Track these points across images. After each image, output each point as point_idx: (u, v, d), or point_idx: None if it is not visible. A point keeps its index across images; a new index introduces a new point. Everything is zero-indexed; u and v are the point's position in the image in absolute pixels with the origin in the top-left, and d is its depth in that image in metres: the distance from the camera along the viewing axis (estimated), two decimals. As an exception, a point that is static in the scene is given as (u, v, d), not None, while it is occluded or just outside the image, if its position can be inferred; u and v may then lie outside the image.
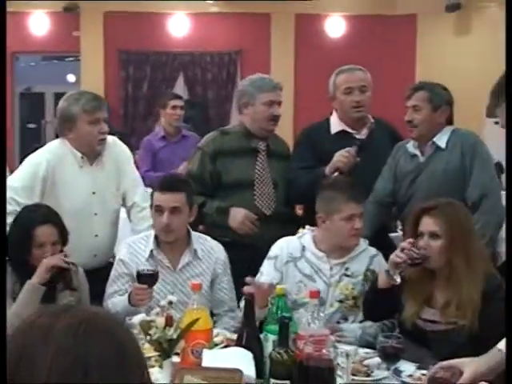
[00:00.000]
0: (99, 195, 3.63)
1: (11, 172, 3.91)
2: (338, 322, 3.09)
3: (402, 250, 2.75)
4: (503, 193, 3.59)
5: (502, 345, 2.10)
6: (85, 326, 0.96)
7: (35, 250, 3.02)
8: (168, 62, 9.65)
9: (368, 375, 2.52)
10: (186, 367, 2.31)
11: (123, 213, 3.88)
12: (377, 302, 2.89)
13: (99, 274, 3.37)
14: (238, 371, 2.20)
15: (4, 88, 3.41)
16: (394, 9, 9.32)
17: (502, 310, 2.65)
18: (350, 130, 3.79)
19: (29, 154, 3.70)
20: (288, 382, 2.25)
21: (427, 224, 2.75)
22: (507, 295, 1.87)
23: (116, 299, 3.11)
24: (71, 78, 11.94)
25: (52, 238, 3.05)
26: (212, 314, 3.04)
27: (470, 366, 2.09)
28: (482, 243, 2.97)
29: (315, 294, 2.46)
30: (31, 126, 11.25)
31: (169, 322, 2.39)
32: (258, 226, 3.62)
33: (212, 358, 2.35)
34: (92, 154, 3.61)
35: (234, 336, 2.78)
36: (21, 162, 3.69)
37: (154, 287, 2.95)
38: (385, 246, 3.49)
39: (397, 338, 2.49)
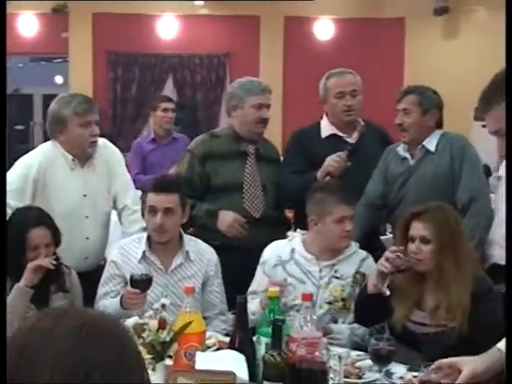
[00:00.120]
0: (90, 198, 3.63)
1: None
2: (328, 324, 3.10)
3: (387, 259, 2.78)
4: (492, 195, 3.63)
5: (501, 344, 2.12)
6: (86, 328, 0.97)
7: (29, 252, 3.02)
8: (157, 63, 9.64)
9: (360, 377, 2.54)
10: (180, 370, 2.32)
11: (114, 215, 3.88)
12: (368, 308, 2.91)
13: (90, 277, 3.38)
14: (232, 373, 2.21)
15: (4, 88, 3.40)
16: (382, 12, 9.36)
17: (492, 312, 2.69)
18: (340, 134, 3.80)
19: (16, 155, 3.70)
20: None
21: (417, 229, 2.77)
22: (507, 295, 1.89)
23: (107, 301, 3.11)
24: (59, 79, 11.91)
25: (45, 240, 3.06)
26: (202, 317, 3.04)
27: (468, 364, 2.10)
28: (471, 246, 3.00)
29: (308, 297, 2.47)
30: (19, 127, 11.20)
31: (162, 324, 2.39)
32: (246, 228, 3.62)
33: (205, 361, 2.36)
34: (83, 156, 3.62)
35: (226, 339, 2.79)
36: (9, 164, 3.68)
37: None
38: (376, 249, 3.52)
39: (388, 341, 2.52)
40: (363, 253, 3.25)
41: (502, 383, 1.93)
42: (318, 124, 3.88)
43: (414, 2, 9.06)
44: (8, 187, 3.41)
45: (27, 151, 3.73)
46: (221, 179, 3.69)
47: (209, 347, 2.69)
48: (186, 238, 3.28)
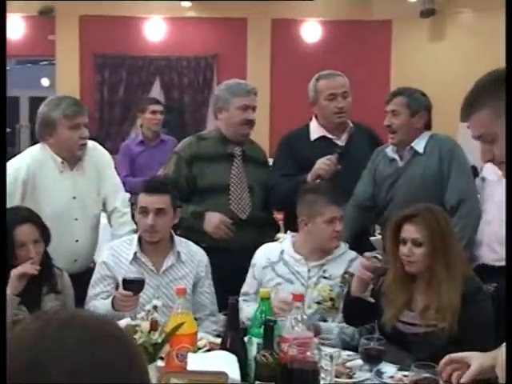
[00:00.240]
0: (79, 200, 3.63)
1: None
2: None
3: (365, 267, 2.81)
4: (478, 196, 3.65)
5: None
6: (92, 332, 0.97)
7: (18, 251, 3.01)
8: (144, 66, 9.63)
9: (350, 377, 2.56)
10: (172, 371, 2.32)
11: (103, 218, 3.88)
12: (355, 308, 2.93)
13: (79, 279, 3.37)
14: (224, 374, 2.22)
15: (4, 88, 3.40)
16: (369, 14, 9.39)
17: (481, 312, 2.71)
18: (330, 136, 3.82)
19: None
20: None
21: (409, 231, 2.79)
22: (507, 295, 1.90)
23: (98, 302, 3.12)
24: (45, 82, 11.87)
25: (32, 237, 3.04)
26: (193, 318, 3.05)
27: (477, 359, 2.11)
28: (461, 247, 3.02)
29: (299, 297, 2.49)
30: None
31: (154, 326, 2.40)
32: (233, 230, 3.63)
33: (197, 362, 2.37)
34: (72, 158, 3.61)
35: (217, 340, 2.80)
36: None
37: None
38: (365, 250, 3.53)
39: (378, 340, 2.54)
40: (352, 253, 3.27)
41: None
42: (307, 126, 3.90)
43: (400, 5, 9.09)
44: (-3, 190, 3.41)
45: (14, 154, 3.72)
46: (207, 181, 3.70)
47: (200, 348, 2.70)
48: (177, 239, 3.30)
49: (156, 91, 9.58)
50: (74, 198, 3.61)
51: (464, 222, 3.36)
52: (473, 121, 2.05)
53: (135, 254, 3.21)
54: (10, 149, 9.14)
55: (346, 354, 2.74)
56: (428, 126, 3.62)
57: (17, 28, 9.31)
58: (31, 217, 3.11)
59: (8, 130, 11.16)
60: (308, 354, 2.30)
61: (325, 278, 3.19)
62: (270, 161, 4.06)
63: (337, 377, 2.49)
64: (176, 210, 3.25)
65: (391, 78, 9.35)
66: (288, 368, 2.28)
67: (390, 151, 3.62)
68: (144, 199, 3.19)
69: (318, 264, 3.21)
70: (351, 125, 3.86)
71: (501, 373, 1.59)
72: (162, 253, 3.24)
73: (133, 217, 3.75)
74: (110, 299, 2.98)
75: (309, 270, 3.21)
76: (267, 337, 2.34)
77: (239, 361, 2.37)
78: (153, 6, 9.27)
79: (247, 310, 3.04)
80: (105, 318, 1.05)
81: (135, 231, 3.67)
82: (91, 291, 3.22)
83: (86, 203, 3.66)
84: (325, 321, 3.14)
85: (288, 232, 3.48)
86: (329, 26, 9.56)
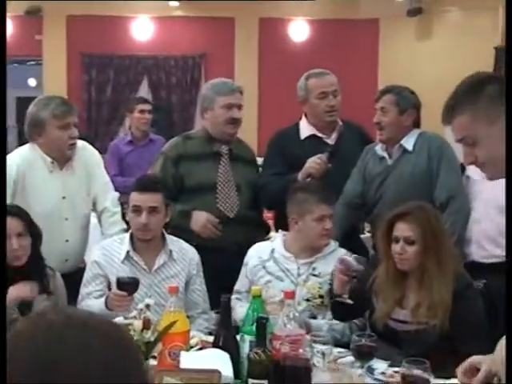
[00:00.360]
0: (69, 200, 3.63)
1: None
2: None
3: (340, 271, 2.86)
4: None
5: None
6: (95, 333, 0.97)
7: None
8: (132, 65, 9.61)
9: (342, 374, 2.57)
10: (165, 369, 2.33)
11: (93, 218, 3.88)
12: (343, 304, 2.95)
13: (70, 279, 3.36)
14: (217, 372, 2.23)
15: (4, 89, 3.39)
16: (356, 13, 9.41)
17: (472, 310, 2.73)
18: (319, 135, 3.84)
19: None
20: (266, 381, 2.29)
21: (402, 230, 2.80)
22: (507, 295, 1.91)
23: (91, 301, 3.12)
24: (32, 82, 11.82)
25: (17, 230, 3.00)
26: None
27: (486, 363, 2.11)
28: (452, 244, 3.03)
29: (290, 295, 2.50)
30: (-8, 130, 11.10)
31: (146, 324, 2.41)
32: (220, 229, 3.63)
33: (190, 360, 2.38)
34: (62, 158, 3.61)
35: (209, 338, 2.81)
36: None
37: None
38: (356, 248, 3.56)
39: (370, 337, 2.55)
40: (342, 251, 3.29)
41: None
42: (297, 125, 3.91)
43: (387, 4, 9.12)
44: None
45: (1, 154, 3.71)
46: (194, 180, 3.70)
47: (192, 347, 2.70)
48: (168, 237, 3.30)
49: (144, 91, 9.56)
50: (64, 197, 3.61)
51: (454, 219, 3.38)
52: (454, 124, 2.09)
53: (127, 252, 3.22)
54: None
55: (337, 350, 2.75)
56: (417, 124, 3.64)
57: (3, 28, 9.26)
58: (17, 211, 3.08)
59: (-5, 130, 11.14)
60: (300, 351, 2.31)
61: (314, 275, 3.21)
62: (259, 160, 4.06)
63: (328, 373, 2.51)
64: (168, 208, 3.26)
65: (378, 76, 9.37)
66: (280, 365, 2.29)
67: (379, 149, 3.64)
68: (137, 198, 3.19)
69: (308, 262, 3.24)
70: (340, 123, 3.88)
71: (501, 367, 1.59)
72: (154, 251, 3.25)
73: (123, 216, 3.76)
74: (104, 299, 2.98)
75: (298, 268, 3.24)
76: (260, 334, 2.35)
77: (232, 358, 2.39)
78: (140, 5, 9.25)
79: (240, 310, 3.05)
80: (102, 317, 1.05)
81: (125, 230, 3.67)
82: (84, 290, 3.22)
83: (75, 203, 3.66)
84: (314, 318, 3.16)
85: (279, 231, 3.50)
86: (316, 25, 9.58)
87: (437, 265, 2.75)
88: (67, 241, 3.61)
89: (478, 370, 2.02)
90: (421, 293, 2.78)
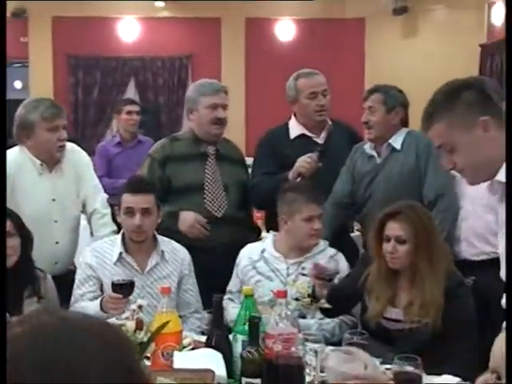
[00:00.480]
0: (59, 202, 3.63)
1: None
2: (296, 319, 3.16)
3: (315, 276, 2.90)
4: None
5: None
6: (91, 335, 0.97)
7: None
8: (118, 67, 9.60)
9: (334, 371, 2.58)
10: (158, 370, 2.34)
11: (83, 220, 3.88)
12: (331, 300, 2.97)
13: (59, 281, 3.35)
14: (210, 371, 2.24)
15: (4, 89, 3.39)
16: (342, 12, 9.45)
17: (463, 307, 2.75)
18: (309, 134, 3.85)
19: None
20: (259, 380, 2.30)
21: (393, 229, 2.81)
22: (507, 294, 1.93)
23: (85, 303, 3.11)
24: (18, 84, 11.78)
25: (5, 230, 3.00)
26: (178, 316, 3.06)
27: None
28: (443, 243, 3.05)
29: (282, 294, 2.51)
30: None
31: (139, 325, 2.41)
32: (208, 228, 3.64)
33: (183, 360, 2.39)
34: (51, 161, 3.61)
35: (201, 337, 2.82)
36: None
37: None
38: (347, 246, 3.58)
39: (361, 335, 2.56)
40: (332, 250, 3.32)
41: None
42: (287, 125, 3.92)
43: (373, 2, 9.15)
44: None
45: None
46: (181, 181, 3.71)
47: (184, 347, 2.71)
48: (160, 238, 3.31)
49: (131, 92, 9.55)
50: (54, 200, 3.61)
51: (443, 217, 3.39)
52: (432, 132, 2.13)
53: (120, 254, 3.22)
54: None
55: (329, 348, 2.76)
56: (405, 123, 3.66)
57: (-12, 30, 9.22)
58: (7, 212, 3.07)
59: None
60: (293, 349, 2.32)
61: (303, 274, 3.22)
62: (247, 159, 4.07)
63: (321, 371, 2.52)
64: (159, 208, 3.27)
65: (365, 75, 9.41)
66: (273, 364, 2.30)
67: (367, 148, 3.65)
68: (129, 199, 3.19)
69: (297, 261, 3.26)
70: (330, 122, 3.89)
71: (500, 361, 1.61)
72: (147, 252, 3.26)
73: (113, 218, 3.76)
74: (99, 301, 2.98)
75: (288, 268, 3.26)
76: (252, 333, 2.36)
77: (225, 358, 2.40)
78: (126, 6, 9.25)
79: (232, 311, 3.06)
80: (97, 318, 1.04)
81: (116, 232, 3.68)
82: (77, 291, 3.21)
83: (65, 205, 3.66)
84: (304, 317, 3.17)
85: (271, 231, 3.52)
86: (302, 25, 9.60)
87: (428, 263, 2.76)
88: (57, 243, 3.61)
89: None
90: (413, 291, 2.79)
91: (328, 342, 2.86)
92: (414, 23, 9.15)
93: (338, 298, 2.98)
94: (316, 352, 2.44)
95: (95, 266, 3.22)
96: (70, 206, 3.68)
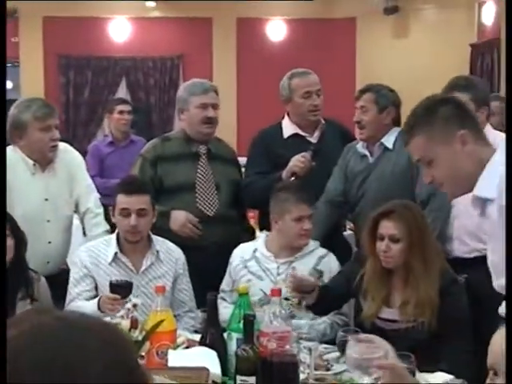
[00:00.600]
0: (52, 202, 3.62)
1: None
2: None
3: (295, 289, 2.89)
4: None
5: None
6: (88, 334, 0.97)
7: None
8: (109, 67, 9.60)
9: (328, 369, 2.60)
10: (154, 368, 2.34)
11: (76, 219, 3.88)
12: (321, 298, 2.98)
13: (51, 281, 3.35)
14: (205, 369, 2.25)
15: (4, 89, 3.38)
16: (333, 12, 9.47)
17: (457, 305, 2.76)
18: (302, 134, 3.86)
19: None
20: (254, 377, 2.31)
21: (387, 227, 2.82)
22: (507, 293, 1.94)
23: (82, 302, 3.10)
24: (9, 84, 11.71)
25: None
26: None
27: None
28: (436, 241, 3.06)
29: (276, 293, 2.53)
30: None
31: (134, 324, 2.42)
32: (200, 228, 3.64)
33: (178, 358, 2.40)
34: (44, 160, 3.61)
35: (195, 336, 2.83)
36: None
37: None
38: (340, 245, 3.59)
39: (355, 332, 2.58)
40: (322, 250, 3.32)
41: None
42: (280, 124, 3.93)
43: (364, 2, 9.18)
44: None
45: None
46: (173, 180, 3.71)
47: (178, 346, 2.72)
48: (155, 238, 3.31)
49: (122, 92, 9.56)
50: (46, 199, 3.60)
51: (435, 216, 3.39)
52: (412, 145, 2.18)
53: (115, 254, 3.22)
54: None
55: (322, 346, 2.79)
56: (397, 122, 3.67)
57: (-21, 30, 9.19)
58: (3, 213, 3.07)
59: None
60: (287, 347, 2.34)
61: None
62: (240, 159, 4.08)
63: (315, 369, 2.53)
64: (154, 208, 3.27)
65: (356, 74, 9.44)
66: (268, 361, 2.31)
67: (360, 147, 3.66)
68: (124, 200, 3.18)
69: (287, 261, 3.27)
70: (323, 122, 3.90)
71: (500, 358, 1.62)
72: (141, 252, 3.26)
73: (106, 217, 3.76)
74: (96, 301, 2.97)
75: (278, 267, 3.27)
76: (247, 331, 2.38)
77: (219, 356, 2.41)
78: (117, 6, 9.24)
79: (224, 311, 3.06)
80: (94, 318, 1.03)
81: (108, 231, 3.68)
82: (74, 290, 3.20)
83: (58, 205, 3.65)
84: (293, 317, 3.18)
85: (264, 231, 3.54)
86: (293, 24, 9.62)
87: (422, 263, 2.77)
88: (50, 243, 3.61)
89: None
90: (407, 291, 2.79)
91: (321, 341, 2.88)
92: (404, 23, 9.19)
93: (329, 296, 2.98)
94: (310, 350, 2.46)
95: (90, 266, 3.21)
96: (62, 205, 3.68)
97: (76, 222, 3.90)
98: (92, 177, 4.99)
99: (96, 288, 3.19)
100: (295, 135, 3.86)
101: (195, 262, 3.40)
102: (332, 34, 9.42)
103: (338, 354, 2.65)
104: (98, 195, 3.87)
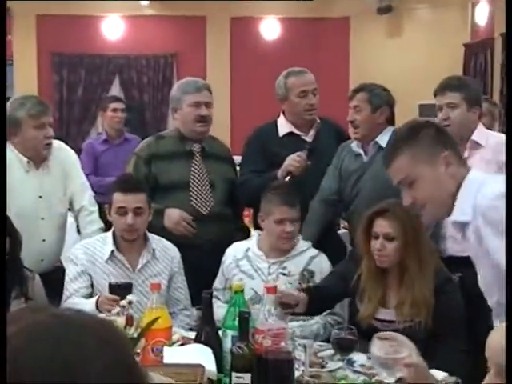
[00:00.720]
0: (46, 200, 3.62)
1: None
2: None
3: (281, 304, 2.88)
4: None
5: None
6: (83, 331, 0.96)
7: None
8: (103, 65, 9.59)
9: (323, 366, 2.61)
10: (149, 365, 2.35)
11: (70, 217, 3.88)
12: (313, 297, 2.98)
13: (45, 279, 3.35)
14: (200, 366, 2.26)
15: (4, 88, 3.38)
16: (327, 11, 9.48)
17: (452, 303, 2.77)
18: (298, 132, 3.86)
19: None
20: (249, 374, 2.32)
21: (381, 226, 2.83)
22: (507, 293, 1.95)
23: (79, 300, 3.09)
24: (1, 82, 11.65)
25: None
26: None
27: None
28: (430, 241, 3.07)
29: (271, 290, 2.53)
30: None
31: (129, 321, 2.42)
32: (194, 226, 3.64)
33: (173, 355, 2.40)
34: (38, 158, 3.61)
35: (190, 334, 2.84)
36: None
37: None
38: (334, 244, 3.59)
39: (349, 330, 2.59)
40: (314, 251, 3.32)
41: None
42: (275, 122, 3.93)
43: (358, 2, 9.19)
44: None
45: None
46: (167, 179, 3.71)
47: (173, 343, 2.72)
48: (151, 236, 3.31)
49: (115, 90, 9.56)
50: (40, 197, 3.60)
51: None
52: (394, 165, 2.20)
53: (112, 252, 3.22)
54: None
55: (317, 344, 2.80)
56: (391, 121, 3.68)
57: (-28, 28, 9.17)
58: None
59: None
60: (282, 344, 2.35)
61: (283, 274, 3.23)
62: (234, 158, 4.08)
63: (310, 366, 2.55)
64: (150, 206, 3.27)
65: (350, 73, 9.45)
66: (263, 359, 2.32)
67: (354, 146, 3.66)
68: (121, 199, 3.18)
69: (278, 261, 3.27)
70: (318, 121, 3.91)
71: (500, 352, 1.63)
72: (137, 251, 3.26)
73: (100, 215, 3.76)
74: (94, 300, 2.96)
75: (269, 267, 3.27)
76: (242, 329, 2.38)
77: (214, 353, 2.42)
78: (110, 4, 9.24)
79: (217, 311, 3.06)
80: (91, 315, 1.02)
81: (103, 229, 3.68)
82: (71, 286, 3.19)
83: (52, 202, 3.65)
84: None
85: (257, 230, 3.54)
86: (287, 23, 9.64)
87: (417, 262, 2.77)
88: (44, 240, 3.61)
89: None
90: (402, 291, 2.80)
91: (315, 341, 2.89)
92: (398, 22, 9.21)
93: (321, 296, 2.98)
94: (305, 347, 2.47)
95: (85, 264, 3.21)
96: (56, 203, 3.68)
97: (70, 219, 3.90)
98: (86, 175, 4.99)
99: (92, 285, 3.19)
100: (290, 134, 3.86)
101: (189, 259, 3.41)
102: (326, 33, 9.43)
103: (332, 351, 2.67)
104: (92, 193, 3.87)
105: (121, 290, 2.89)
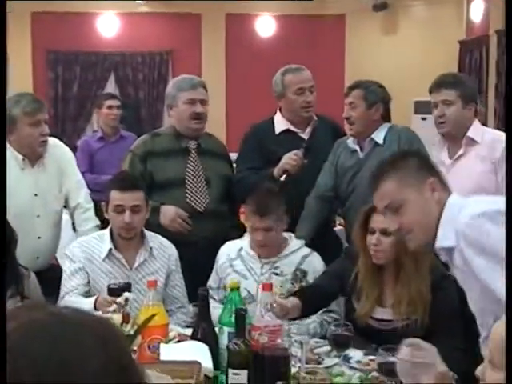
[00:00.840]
0: (41, 197, 3.62)
1: None
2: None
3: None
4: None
5: None
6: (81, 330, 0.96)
7: None
8: (98, 62, 9.59)
9: (319, 363, 2.62)
10: (146, 362, 2.35)
11: (65, 214, 3.87)
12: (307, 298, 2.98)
13: (41, 277, 3.34)
14: (197, 363, 2.26)
15: (4, 88, 3.37)
16: (323, 9, 9.49)
17: (449, 300, 2.77)
18: (294, 129, 3.86)
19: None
20: (245, 371, 2.32)
21: (378, 221, 2.81)
22: (507, 293, 1.96)
23: (77, 298, 3.08)
24: (-4, 79, 11.64)
25: None
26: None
27: None
28: None
29: (267, 287, 2.54)
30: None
31: (126, 318, 2.42)
32: (190, 223, 3.64)
33: (169, 352, 2.40)
34: (33, 156, 3.60)
35: (186, 331, 2.84)
36: None
37: None
38: (330, 241, 3.59)
39: (345, 326, 2.59)
40: (306, 250, 3.32)
41: None
42: (272, 119, 3.93)
43: (353, -2, 9.22)
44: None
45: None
46: (163, 176, 3.71)
47: (170, 340, 2.72)
48: (148, 234, 3.31)
49: (111, 87, 9.55)
50: (36, 194, 3.60)
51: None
52: (380, 191, 2.22)
53: (110, 250, 3.21)
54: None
55: (313, 340, 2.80)
56: (387, 118, 3.68)
57: (-33, 25, 9.15)
58: None
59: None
60: (278, 341, 2.35)
61: (276, 274, 3.23)
62: (230, 155, 4.08)
63: (306, 363, 2.55)
64: (148, 204, 3.27)
65: (345, 70, 9.46)
66: (259, 355, 2.33)
67: (350, 142, 3.66)
68: (119, 197, 3.16)
69: (270, 261, 3.27)
70: (315, 118, 3.91)
71: (501, 348, 1.63)
72: (135, 248, 3.25)
73: (96, 213, 3.76)
74: (93, 300, 2.94)
75: (262, 267, 3.27)
76: (239, 325, 2.39)
77: (211, 350, 2.42)
78: (106, 1, 9.22)
79: (213, 312, 3.06)
80: (89, 314, 1.01)
81: (98, 226, 3.67)
82: (69, 283, 3.17)
83: (47, 200, 3.65)
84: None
85: None
86: (283, 21, 9.64)
87: (413, 259, 2.77)
88: (39, 238, 3.61)
89: None
90: (398, 288, 2.79)
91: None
92: (393, 19, 9.22)
93: (317, 295, 2.97)
94: (301, 344, 2.47)
95: (83, 261, 3.20)
96: (52, 200, 3.67)
97: (65, 217, 3.89)
98: (82, 173, 4.98)
99: (88, 283, 3.18)
100: (287, 131, 3.86)
101: (185, 257, 3.40)
102: (321, 30, 9.44)
103: (328, 347, 2.68)
104: (87, 190, 3.87)
105: (119, 291, 2.88)
